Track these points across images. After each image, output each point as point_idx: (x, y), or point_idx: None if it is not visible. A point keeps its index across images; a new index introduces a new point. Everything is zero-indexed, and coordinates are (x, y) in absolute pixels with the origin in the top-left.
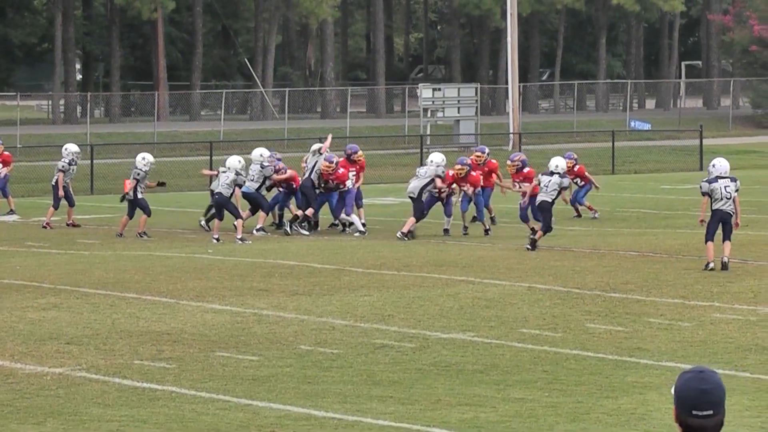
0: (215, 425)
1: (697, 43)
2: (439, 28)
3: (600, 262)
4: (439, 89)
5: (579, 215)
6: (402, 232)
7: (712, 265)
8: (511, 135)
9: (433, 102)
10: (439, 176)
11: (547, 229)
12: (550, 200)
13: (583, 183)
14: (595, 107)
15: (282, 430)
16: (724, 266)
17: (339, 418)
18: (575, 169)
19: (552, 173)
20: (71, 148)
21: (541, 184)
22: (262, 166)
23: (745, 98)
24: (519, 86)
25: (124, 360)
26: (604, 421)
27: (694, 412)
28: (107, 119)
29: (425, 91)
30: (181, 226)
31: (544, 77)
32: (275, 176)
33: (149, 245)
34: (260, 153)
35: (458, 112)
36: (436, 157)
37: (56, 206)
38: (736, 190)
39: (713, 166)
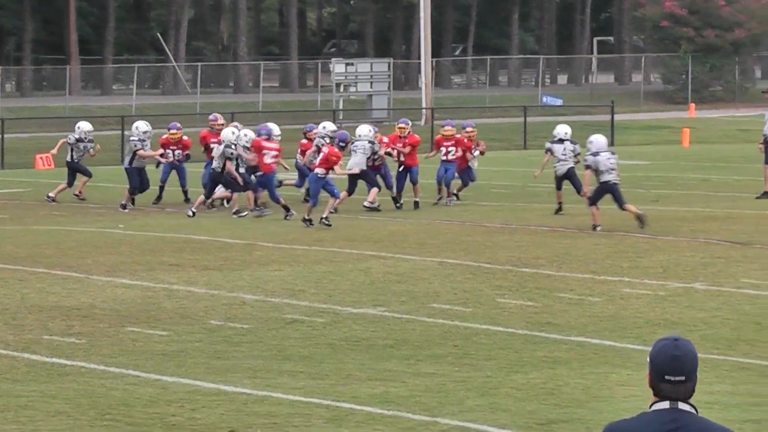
0: (125, 400)
1: (610, 19)
2: (352, 2)
3: (511, 237)
4: (352, 64)
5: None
6: (369, 202)
7: (599, 228)
8: (424, 110)
9: (346, 77)
10: (372, 143)
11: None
12: (573, 166)
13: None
14: (508, 82)
15: (191, 405)
16: (641, 219)
17: (249, 393)
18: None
19: (562, 140)
20: (83, 126)
21: (557, 153)
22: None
23: (657, 74)
24: (432, 61)
25: (33, 335)
26: (514, 396)
27: (666, 377)
28: (19, 93)
29: (338, 66)
30: (93, 200)
31: (457, 52)
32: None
33: (60, 219)
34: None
35: (371, 87)
36: (364, 130)
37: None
38: None
39: (591, 142)
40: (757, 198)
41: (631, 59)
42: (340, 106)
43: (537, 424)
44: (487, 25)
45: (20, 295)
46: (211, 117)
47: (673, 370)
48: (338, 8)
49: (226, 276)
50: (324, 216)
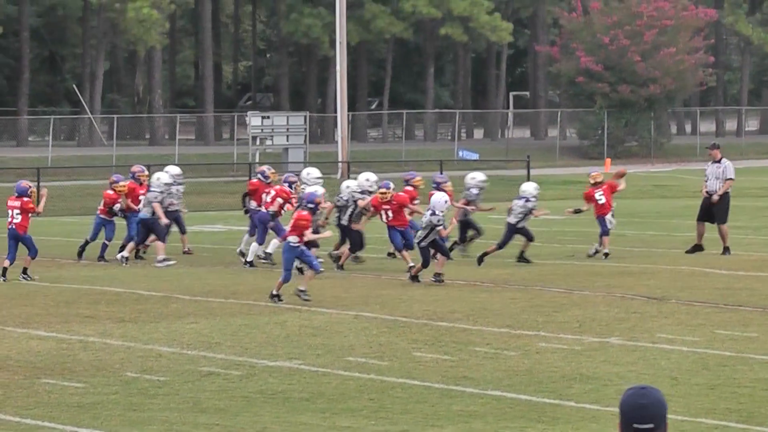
0: None
1: (525, 74)
2: (267, 56)
3: (427, 290)
4: (268, 117)
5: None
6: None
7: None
8: (340, 163)
9: (262, 130)
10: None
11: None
12: (513, 222)
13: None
14: (424, 137)
15: None
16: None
17: None
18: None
19: (520, 197)
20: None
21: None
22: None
23: (572, 129)
24: (348, 115)
25: None
26: None
27: (635, 426)
28: None
29: (254, 119)
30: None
31: (373, 106)
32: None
33: None
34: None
35: (287, 140)
36: (354, 182)
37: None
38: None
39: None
40: (687, 252)
41: (547, 114)
42: (257, 159)
43: None
44: (402, 80)
45: None
46: (136, 168)
47: (641, 418)
48: (254, 62)
49: (142, 328)
50: (301, 288)
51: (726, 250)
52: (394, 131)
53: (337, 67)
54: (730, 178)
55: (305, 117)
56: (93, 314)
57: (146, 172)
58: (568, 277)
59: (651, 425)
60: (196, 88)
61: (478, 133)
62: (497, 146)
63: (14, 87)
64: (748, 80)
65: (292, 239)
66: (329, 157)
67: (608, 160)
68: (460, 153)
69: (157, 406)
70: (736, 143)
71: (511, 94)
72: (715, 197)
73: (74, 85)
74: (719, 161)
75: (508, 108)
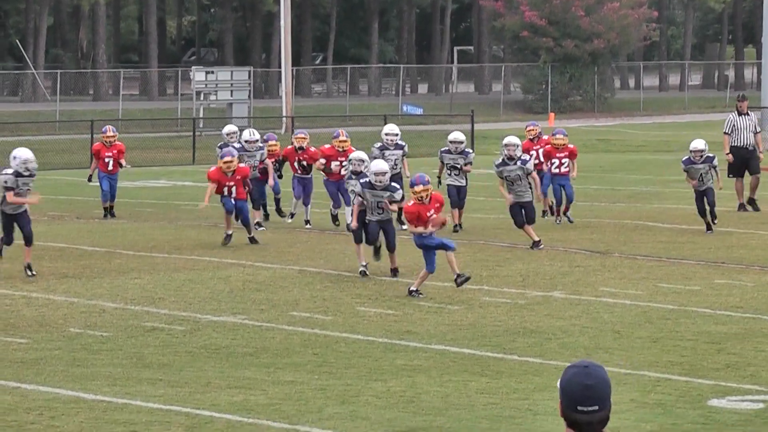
0: None
1: (469, 29)
2: (212, 11)
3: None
4: (212, 72)
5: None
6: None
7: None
8: (284, 118)
9: (206, 85)
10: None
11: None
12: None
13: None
14: (368, 92)
15: (50, 413)
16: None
17: (108, 401)
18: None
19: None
20: None
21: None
22: None
23: (516, 84)
24: (292, 70)
25: None
26: (374, 404)
27: (579, 408)
28: None
29: (198, 74)
30: None
31: (317, 61)
32: None
33: None
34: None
35: (231, 96)
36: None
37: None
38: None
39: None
40: (738, 210)
41: (491, 69)
42: (201, 115)
43: None
44: (346, 35)
45: None
46: (103, 129)
47: (586, 399)
48: (198, 17)
49: (86, 284)
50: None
51: (752, 202)
52: (339, 86)
53: (282, 22)
54: (759, 132)
55: (249, 72)
56: (36, 270)
57: (109, 133)
58: (512, 232)
59: (596, 407)
60: (140, 43)
61: (423, 88)
62: (441, 101)
63: None
64: (691, 35)
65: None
66: (273, 112)
67: (552, 115)
68: (405, 108)
69: (101, 362)
70: (679, 98)
71: (456, 49)
72: (761, 154)
73: (17, 40)
74: (747, 113)
75: (452, 63)
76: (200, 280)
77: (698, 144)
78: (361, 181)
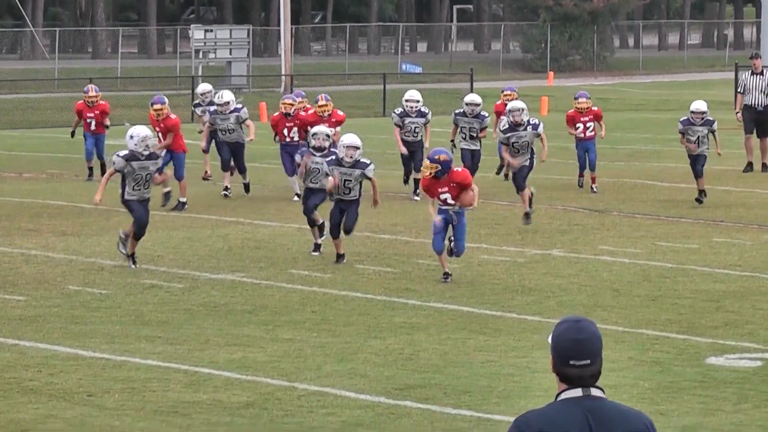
0: None
1: None
2: None
3: (366, 203)
4: (211, 31)
5: None
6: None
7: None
8: (284, 77)
9: (205, 43)
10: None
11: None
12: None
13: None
14: (367, 50)
15: (49, 370)
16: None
17: (107, 358)
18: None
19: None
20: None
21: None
22: None
23: (515, 42)
24: (291, 28)
25: None
26: (372, 361)
27: (571, 362)
28: None
29: (197, 33)
30: None
31: (317, 20)
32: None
33: None
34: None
35: (230, 54)
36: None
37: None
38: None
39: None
40: (744, 171)
41: (490, 28)
42: (200, 73)
43: (395, 390)
44: None
45: None
46: (85, 89)
47: (578, 354)
48: None
49: (84, 242)
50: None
51: (764, 167)
52: (338, 45)
53: None
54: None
55: (248, 30)
56: (35, 228)
57: (91, 93)
58: (511, 190)
59: (587, 361)
60: (139, 1)
61: (422, 47)
62: (440, 60)
63: None
64: None
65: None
66: (272, 70)
67: (551, 74)
68: (404, 66)
69: (99, 319)
70: (678, 57)
71: (455, 7)
72: None
73: None
74: (761, 72)
75: (451, 22)
76: (199, 238)
77: (699, 105)
78: (328, 159)
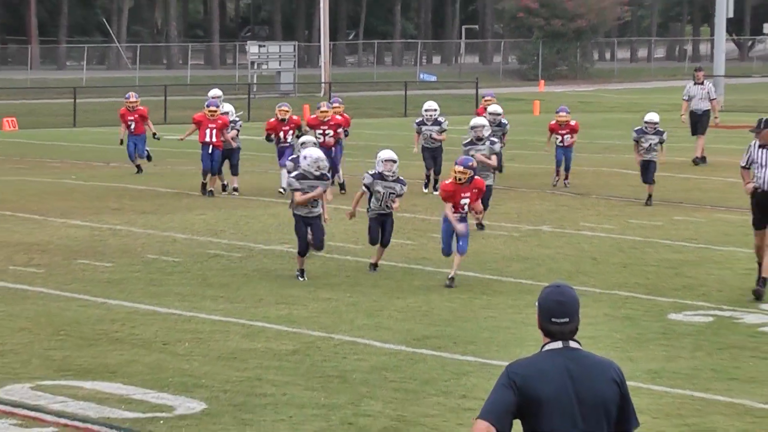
0: (76, 319)
1: (475, 10)
2: None
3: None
4: (264, 46)
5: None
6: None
7: None
8: (323, 84)
9: (258, 56)
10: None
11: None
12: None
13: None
14: (392, 62)
15: (131, 323)
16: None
17: (179, 314)
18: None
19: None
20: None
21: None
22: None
23: (513, 56)
24: (330, 44)
25: (0, 266)
26: (395, 317)
27: (553, 320)
28: None
29: (252, 48)
30: (48, 156)
31: (351, 37)
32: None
33: (23, 172)
34: None
35: (279, 65)
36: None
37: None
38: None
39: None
40: (693, 164)
41: (493, 44)
42: (254, 81)
43: (413, 340)
44: (375, 14)
45: None
46: (126, 95)
47: (559, 313)
48: (252, 0)
49: (160, 218)
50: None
51: (702, 159)
52: (368, 57)
53: (321, 4)
54: (715, 98)
55: (294, 46)
56: (120, 207)
57: (132, 99)
58: (509, 178)
59: (567, 319)
60: (205, 21)
61: (437, 60)
62: (452, 70)
63: (55, 20)
64: (657, 15)
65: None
66: (314, 78)
67: (542, 81)
68: (421, 75)
69: (173, 282)
70: (646, 67)
71: (464, 27)
72: (716, 119)
73: (104, 19)
74: (702, 83)
75: (461, 39)
76: (254, 216)
77: (652, 117)
78: (371, 172)
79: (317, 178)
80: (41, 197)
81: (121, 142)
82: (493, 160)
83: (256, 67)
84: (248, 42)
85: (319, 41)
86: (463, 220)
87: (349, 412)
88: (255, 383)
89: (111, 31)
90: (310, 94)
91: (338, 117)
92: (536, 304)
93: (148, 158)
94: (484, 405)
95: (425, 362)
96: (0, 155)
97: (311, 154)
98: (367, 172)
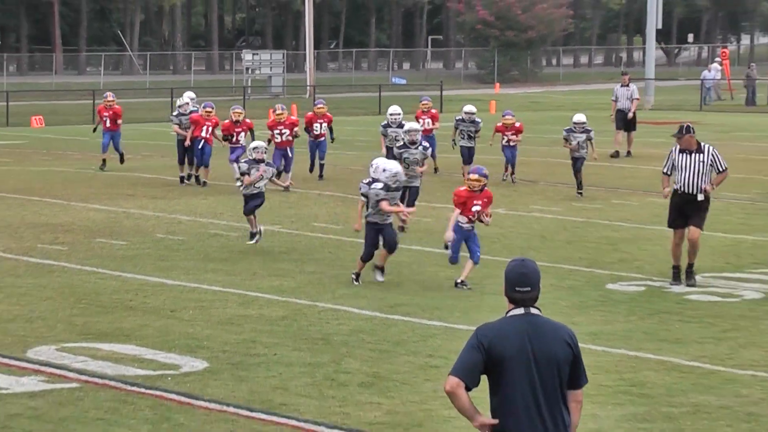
0: (95, 290)
1: (440, 23)
2: (257, 9)
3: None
4: (257, 54)
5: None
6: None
7: None
8: (308, 87)
9: (252, 63)
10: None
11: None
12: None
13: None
14: (368, 67)
15: (143, 293)
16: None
17: (184, 285)
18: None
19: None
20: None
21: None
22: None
23: (473, 62)
24: (314, 52)
25: (29, 244)
26: (372, 287)
27: (517, 289)
28: (18, 73)
29: (247, 55)
30: (70, 149)
31: (332, 46)
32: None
33: (49, 162)
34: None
35: (270, 70)
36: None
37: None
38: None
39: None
40: (611, 156)
41: (455, 52)
42: (249, 84)
43: (387, 306)
44: (353, 26)
45: (20, 216)
46: (105, 94)
47: (521, 283)
48: (246, 14)
49: (168, 203)
50: (461, 280)
51: (629, 153)
52: (347, 64)
53: (306, 18)
54: (637, 98)
55: (283, 54)
56: (133, 193)
57: (109, 98)
58: (492, 167)
59: (529, 288)
60: (206, 32)
61: (406, 65)
62: (419, 74)
63: (75, 32)
64: (597, 27)
65: (463, 220)
66: (301, 82)
67: (497, 84)
68: (393, 79)
69: (179, 257)
70: (588, 72)
71: (430, 37)
72: (630, 115)
73: (119, 31)
74: (628, 85)
75: (427, 47)
76: None
77: (580, 117)
78: (365, 181)
79: (396, 189)
80: (65, 185)
81: (94, 130)
82: (425, 167)
83: (250, 72)
84: (243, 50)
85: (305, 50)
86: (472, 230)
87: (331, 369)
88: (250, 345)
89: (125, 41)
90: (298, 96)
91: (293, 118)
92: (504, 275)
93: (121, 159)
94: (456, 363)
95: (397, 326)
96: (29, 149)
97: (390, 168)
98: (362, 182)
